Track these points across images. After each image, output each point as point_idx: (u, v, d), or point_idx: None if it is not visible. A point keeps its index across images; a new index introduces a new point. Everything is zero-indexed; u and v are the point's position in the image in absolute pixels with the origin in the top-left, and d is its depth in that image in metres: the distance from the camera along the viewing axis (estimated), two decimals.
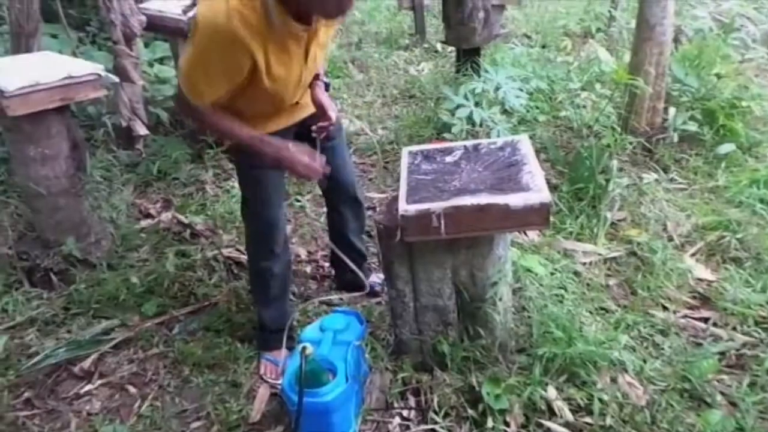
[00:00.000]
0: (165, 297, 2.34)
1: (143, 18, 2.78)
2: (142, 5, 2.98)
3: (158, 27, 3.01)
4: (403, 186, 1.63)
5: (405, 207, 1.52)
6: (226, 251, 2.58)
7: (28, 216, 2.73)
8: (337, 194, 2.07)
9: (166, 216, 2.91)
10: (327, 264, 2.54)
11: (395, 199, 1.70)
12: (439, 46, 5.16)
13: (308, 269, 2.54)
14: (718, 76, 3.03)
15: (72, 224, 2.49)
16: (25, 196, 2.49)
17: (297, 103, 1.74)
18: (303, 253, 2.64)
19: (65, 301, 2.34)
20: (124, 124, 2.90)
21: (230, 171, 3.33)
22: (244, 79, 1.48)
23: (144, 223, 2.89)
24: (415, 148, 1.87)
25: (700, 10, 3.53)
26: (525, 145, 1.72)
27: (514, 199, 1.46)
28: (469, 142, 1.82)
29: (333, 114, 1.73)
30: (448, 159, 1.75)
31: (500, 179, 1.59)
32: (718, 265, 2.28)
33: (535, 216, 1.47)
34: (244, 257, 2.57)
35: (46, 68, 2.22)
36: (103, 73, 2.27)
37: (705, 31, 3.29)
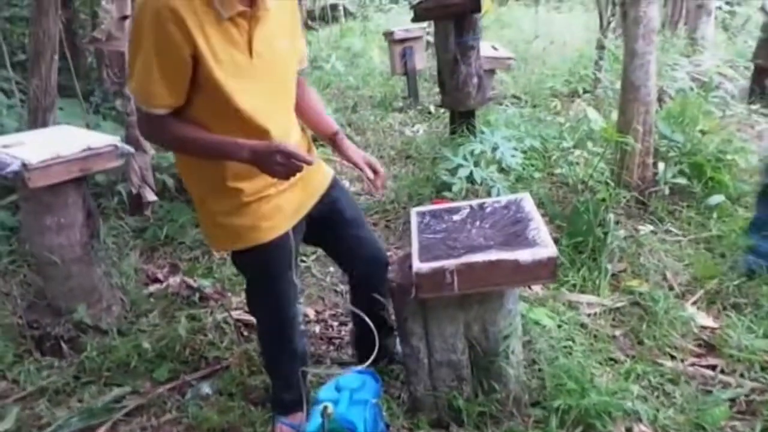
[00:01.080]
0: (176, 362, 2.35)
1: None
2: None
3: None
4: (415, 245, 1.70)
5: (419, 265, 1.59)
6: (235, 314, 2.61)
7: (37, 284, 2.76)
8: (359, 254, 1.90)
9: (174, 280, 2.94)
10: (336, 323, 2.57)
11: (406, 257, 1.77)
12: (432, 108, 5.37)
13: (317, 329, 2.57)
14: (702, 131, 3.19)
15: (84, 291, 2.53)
16: (38, 264, 2.54)
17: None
18: (311, 313, 2.67)
19: (76, 370, 2.34)
20: (134, 191, 3.00)
21: None
22: (192, 74, 1.35)
23: (152, 287, 2.93)
24: (422, 208, 1.96)
25: (679, 71, 3.75)
26: (528, 202, 1.81)
27: (523, 255, 1.53)
28: (475, 202, 1.91)
29: (373, 163, 1.72)
30: (456, 218, 1.84)
31: (507, 236, 1.67)
32: (720, 312, 2.34)
33: (543, 270, 1.54)
34: (253, 319, 2.60)
35: (65, 141, 2.32)
36: (119, 144, 2.38)
37: (686, 91, 3.49)
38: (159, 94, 1.37)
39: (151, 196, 2.99)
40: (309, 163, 1.43)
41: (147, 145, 2.91)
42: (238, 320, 2.57)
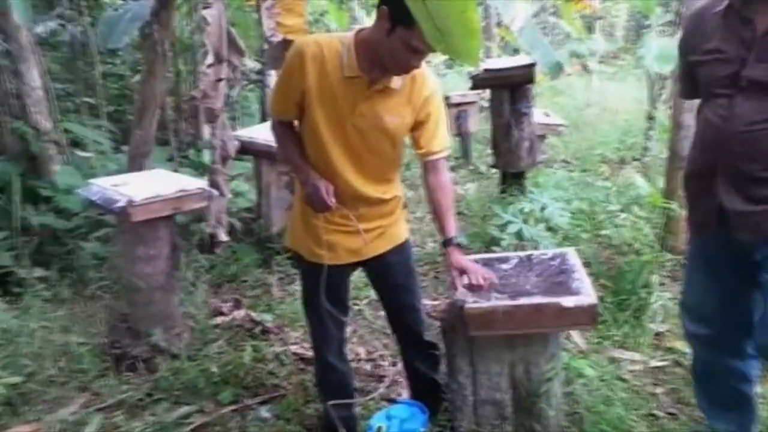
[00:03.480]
0: (239, 387, 2.55)
1: (237, 143, 3.29)
2: (236, 132, 3.52)
3: (249, 150, 3.52)
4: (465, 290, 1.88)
5: (469, 305, 1.77)
6: (293, 347, 2.82)
7: (120, 309, 3.07)
8: (397, 319, 2.06)
9: (238, 313, 3.20)
10: (385, 363, 2.74)
11: (455, 299, 1.95)
12: (483, 168, 5.61)
13: (368, 367, 2.74)
14: None
15: (162, 317, 2.81)
16: (126, 290, 2.84)
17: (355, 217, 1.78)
18: (362, 353, 2.85)
19: (150, 387, 2.58)
20: (209, 230, 3.31)
21: (294, 275, 3.66)
22: (299, 103, 1.69)
23: (218, 319, 3.19)
24: (475, 256, 2.15)
25: None
26: (573, 256, 1.99)
27: (567, 301, 1.69)
28: (523, 253, 2.10)
29: (479, 270, 1.79)
30: (505, 266, 2.02)
31: (552, 284, 1.84)
32: (764, 378, 2.37)
33: (585, 316, 1.70)
34: (310, 353, 2.80)
35: (162, 183, 2.67)
36: (207, 188, 2.70)
37: None
38: (275, 104, 1.82)
39: (223, 236, 3.30)
40: (329, 207, 1.71)
41: (226, 190, 3.24)
42: (295, 353, 2.78)
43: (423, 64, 1.68)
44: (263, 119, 5.39)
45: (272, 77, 5.19)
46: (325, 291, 1.84)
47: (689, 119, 3.09)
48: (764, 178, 1.56)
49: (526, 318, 1.72)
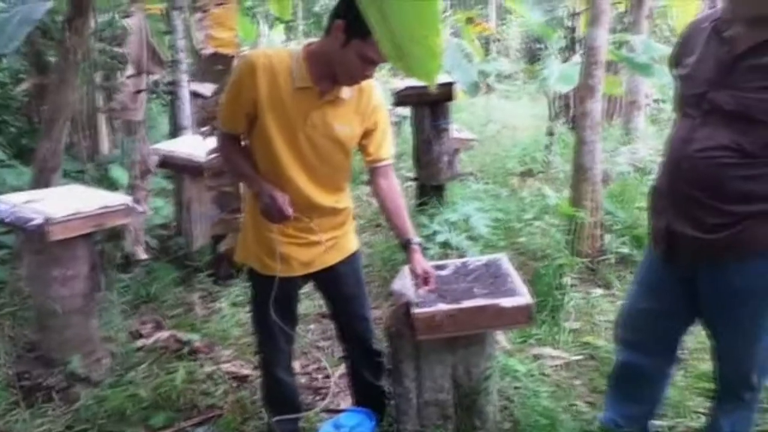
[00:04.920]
0: (171, 410, 2.45)
1: (157, 157, 3.18)
2: (156, 146, 3.39)
3: (168, 164, 3.39)
4: (411, 295, 1.96)
5: (416, 311, 1.85)
6: (225, 366, 2.75)
7: (26, 337, 2.83)
8: (347, 329, 2.09)
9: (162, 335, 3.06)
10: (320, 376, 2.75)
11: (400, 306, 2.03)
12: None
13: (303, 380, 2.73)
14: (640, 209, 3.68)
15: (79, 342, 2.63)
16: (38, 315, 2.63)
17: (307, 232, 1.82)
18: (297, 366, 2.83)
19: (70, 419, 2.41)
20: (127, 249, 3.16)
21: (216, 293, 3.56)
22: (251, 115, 1.69)
23: (140, 342, 3.03)
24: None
25: (619, 157, 4.31)
26: (505, 262, 2.14)
27: (506, 302, 1.83)
28: (458, 261, 2.22)
29: (428, 275, 1.86)
30: (443, 273, 2.13)
31: (489, 288, 1.97)
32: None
33: (522, 315, 1.84)
34: (244, 371, 2.76)
35: (81, 199, 2.52)
36: (131, 204, 2.59)
37: (625, 174, 4.01)
38: (224, 118, 1.80)
39: (142, 254, 3.16)
40: (287, 217, 1.70)
41: (146, 206, 3.11)
42: (228, 372, 2.72)
43: None
44: (174, 133, 5.20)
45: (185, 89, 5.04)
46: (276, 304, 1.84)
47: (590, 135, 3.43)
48: (710, 207, 1.55)
49: (469, 320, 1.83)
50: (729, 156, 1.50)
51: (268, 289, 1.83)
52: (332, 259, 1.92)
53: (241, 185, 3.26)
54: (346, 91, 1.73)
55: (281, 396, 2.06)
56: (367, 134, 1.84)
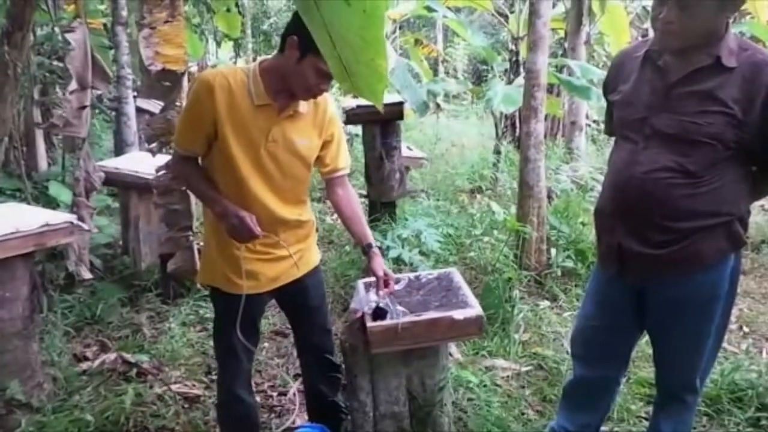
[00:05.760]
0: None
1: (102, 174, 3.09)
2: (100, 163, 3.30)
3: (114, 182, 3.31)
4: (366, 309, 2.00)
5: (371, 324, 1.88)
6: (175, 387, 2.68)
7: None
8: (310, 340, 2.10)
9: (108, 357, 2.95)
10: (275, 393, 2.73)
11: (355, 321, 2.06)
12: None
13: (258, 398, 2.69)
14: (583, 224, 3.85)
15: (19, 367, 2.50)
16: None
17: (273, 244, 1.83)
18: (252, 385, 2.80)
19: None
20: (70, 268, 3.04)
21: (165, 313, 3.48)
22: (210, 135, 1.69)
23: (85, 365, 2.91)
24: (366, 280, 2.28)
25: (561, 175, 4.51)
26: (456, 275, 2.20)
27: (458, 314, 1.89)
28: (411, 274, 2.27)
29: (388, 278, 1.94)
30: (397, 287, 2.17)
31: (442, 300, 2.03)
32: None
33: (473, 327, 1.90)
34: (195, 391, 2.69)
35: (20, 217, 2.42)
36: (75, 222, 2.51)
37: (568, 191, 4.20)
38: (181, 139, 1.79)
39: (86, 274, 3.05)
40: (256, 236, 1.72)
41: (90, 224, 3.01)
42: (179, 393, 2.65)
43: None
44: (119, 150, 5.06)
45: (130, 106, 4.93)
46: (242, 322, 1.82)
47: (534, 153, 3.58)
48: (658, 225, 1.63)
49: (423, 332, 1.88)
50: (673, 177, 1.60)
51: (235, 307, 1.80)
52: (299, 272, 1.94)
53: (193, 203, 3.23)
54: (303, 105, 1.77)
55: (240, 414, 2.03)
56: (324, 146, 1.88)
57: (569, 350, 2.19)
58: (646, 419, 2.36)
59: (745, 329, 3.27)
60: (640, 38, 7.49)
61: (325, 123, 1.85)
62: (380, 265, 1.94)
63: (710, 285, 1.70)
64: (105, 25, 6.19)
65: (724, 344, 2.97)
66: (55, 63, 4.12)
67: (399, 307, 1.92)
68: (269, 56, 1.81)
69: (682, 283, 1.71)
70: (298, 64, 1.63)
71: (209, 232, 1.90)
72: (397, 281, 2.21)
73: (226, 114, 1.68)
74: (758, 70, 1.52)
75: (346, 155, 1.98)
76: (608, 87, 1.85)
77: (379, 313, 1.94)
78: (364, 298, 2.02)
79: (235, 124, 1.69)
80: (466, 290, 2.08)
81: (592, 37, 7.54)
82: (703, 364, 1.82)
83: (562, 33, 7.39)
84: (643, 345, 2.68)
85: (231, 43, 11.80)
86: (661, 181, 1.61)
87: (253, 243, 1.79)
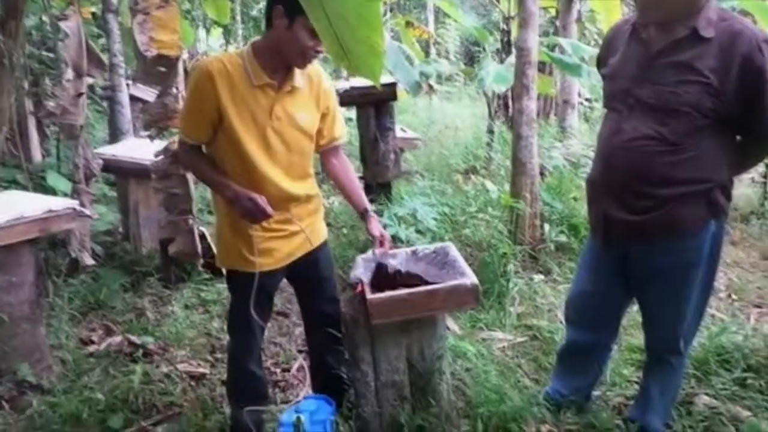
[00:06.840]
0: (129, 411, 2.44)
1: (100, 161, 3.13)
2: (99, 150, 3.34)
3: (112, 168, 3.35)
4: (366, 282, 2.06)
5: (371, 297, 1.95)
6: (181, 366, 2.76)
7: None
8: (318, 319, 2.16)
9: (114, 339, 3.03)
10: (278, 370, 2.81)
11: (356, 295, 2.12)
12: None
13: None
14: (575, 199, 3.92)
15: (27, 350, 2.58)
16: None
17: (287, 221, 1.89)
18: None
19: (23, 426, 2.37)
20: (73, 255, 3.10)
21: (167, 297, 3.54)
22: (215, 121, 1.73)
23: (91, 348, 2.98)
24: (365, 255, 2.34)
25: (554, 152, 4.57)
26: (452, 249, 2.27)
27: (454, 284, 1.95)
28: (408, 249, 2.33)
29: (384, 238, 2.05)
30: (394, 261, 2.24)
31: (439, 273, 2.09)
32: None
33: (469, 296, 1.97)
34: (200, 370, 2.77)
35: (24, 203, 2.47)
36: (78, 208, 2.56)
37: (561, 168, 4.26)
38: (187, 128, 1.83)
39: (89, 260, 3.10)
40: (269, 216, 1.78)
41: (90, 211, 3.06)
42: (185, 371, 2.72)
43: (316, 63, 1.85)
44: (113, 138, 5.08)
45: (124, 94, 4.94)
46: (258, 299, 1.88)
47: (526, 131, 3.64)
48: (640, 191, 1.70)
49: (421, 303, 1.94)
50: (654, 144, 1.67)
51: (251, 285, 1.86)
52: (311, 245, 2.01)
53: (192, 186, 3.27)
54: (299, 80, 1.82)
55: (251, 388, 2.11)
56: (322, 118, 1.94)
57: (563, 317, 2.28)
58: (637, 383, 2.45)
59: (734, 297, 3.36)
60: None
61: (320, 96, 1.90)
62: (377, 226, 2.05)
63: (690, 251, 1.76)
64: (93, 13, 6.17)
65: (713, 311, 3.08)
66: (44, 53, 4.12)
67: (392, 261, 2.04)
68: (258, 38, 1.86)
69: (662, 249, 1.77)
70: (289, 30, 1.67)
71: (222, 217, 1.95)
72: (395, 256, 2.28)
73: (229, 98, 1.72)
74: (735, 39, 1.58)
75: (342, 125, 2.05)
76: (600, 61, 1.91)
77: (380, 270, 2.04)
78: (362, 264, 2.11)
79: (239, 107, 1.74)
80: (462, 262, 2.14)
81: (584, 14, 7.56)
82: (685, 327, 1.90)
83: (553, 11, 7.40)
84: (635, 313, 2.76)
85: (221, 30, 11.75)
86: (642, 149, 1.67)
87: (268, 222, 1.84)
